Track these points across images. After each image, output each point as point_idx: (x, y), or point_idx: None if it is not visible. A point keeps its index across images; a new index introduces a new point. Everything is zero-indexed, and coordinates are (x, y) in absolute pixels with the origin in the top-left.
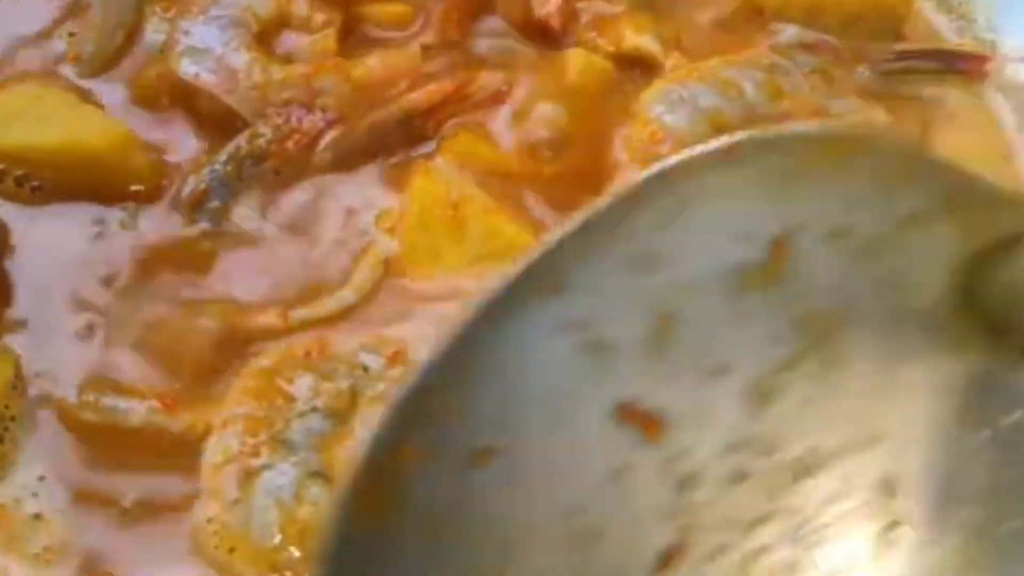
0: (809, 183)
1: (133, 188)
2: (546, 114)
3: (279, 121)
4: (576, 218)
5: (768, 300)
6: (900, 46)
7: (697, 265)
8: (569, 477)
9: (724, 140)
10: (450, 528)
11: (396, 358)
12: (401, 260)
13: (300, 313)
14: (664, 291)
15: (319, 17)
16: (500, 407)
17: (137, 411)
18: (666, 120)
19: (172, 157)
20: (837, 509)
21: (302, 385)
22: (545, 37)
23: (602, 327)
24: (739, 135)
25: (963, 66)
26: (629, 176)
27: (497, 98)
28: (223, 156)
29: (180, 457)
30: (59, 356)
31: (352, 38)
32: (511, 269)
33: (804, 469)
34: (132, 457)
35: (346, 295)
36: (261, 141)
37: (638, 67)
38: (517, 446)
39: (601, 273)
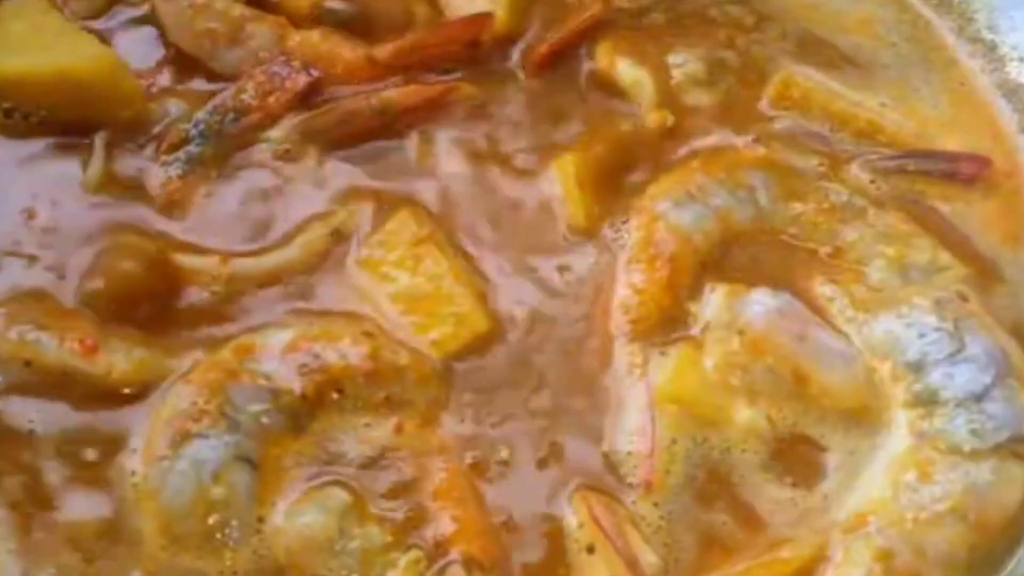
0: None
1: (121, 113)
2: None
3: (262, 78)
4: None
5: None
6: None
7: None
8: None
9: None
10: None
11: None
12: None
13: (242, 263)
14: None
15: None
16: None
17: (57, 349)
18: (672, 218)
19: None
20: None
21: (271, 373)
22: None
23: None
24: None
25: (961, 170)
26: None
27: (474, 113)
28: (209, 107)
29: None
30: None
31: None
32: None
33: None
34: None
35: (289, 252)
36: (245, 96)
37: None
38: None
39: None
